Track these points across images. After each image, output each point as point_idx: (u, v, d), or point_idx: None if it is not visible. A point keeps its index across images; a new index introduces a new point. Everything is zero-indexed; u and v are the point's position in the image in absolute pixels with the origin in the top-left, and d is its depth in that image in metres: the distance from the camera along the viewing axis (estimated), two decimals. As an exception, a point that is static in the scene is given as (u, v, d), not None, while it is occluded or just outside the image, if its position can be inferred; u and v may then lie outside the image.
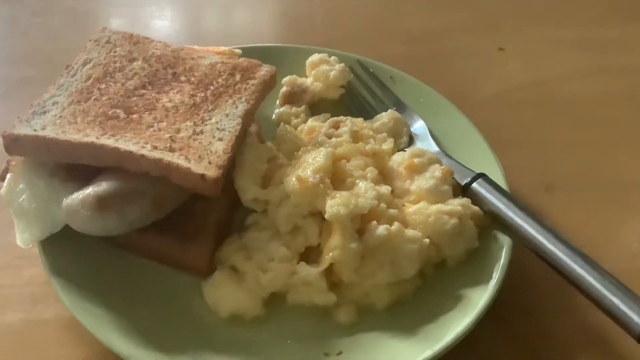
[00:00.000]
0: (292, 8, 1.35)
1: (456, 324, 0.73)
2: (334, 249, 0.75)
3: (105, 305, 0.73)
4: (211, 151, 0.77)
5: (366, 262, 0.76)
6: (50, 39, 1.19)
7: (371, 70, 1.03)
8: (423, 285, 0.79)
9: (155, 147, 0.75)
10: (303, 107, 0.99)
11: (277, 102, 1.01)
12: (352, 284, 0.76)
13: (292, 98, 1.01)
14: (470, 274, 0.79)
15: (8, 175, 0.76)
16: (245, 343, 0.73)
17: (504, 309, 0.77)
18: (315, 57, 1.03)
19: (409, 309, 0.77)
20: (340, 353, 0.72)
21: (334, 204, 0.75)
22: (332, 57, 1.03)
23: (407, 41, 1.22)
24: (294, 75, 1.02)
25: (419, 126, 0.96)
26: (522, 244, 0.78)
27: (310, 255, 0.78)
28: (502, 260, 0.78)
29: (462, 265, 0.80)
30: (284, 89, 1.01)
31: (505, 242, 0.80)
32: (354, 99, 1.01)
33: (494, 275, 0.77)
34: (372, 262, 0.76)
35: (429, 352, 0.70)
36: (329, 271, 0.77)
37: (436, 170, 0.83)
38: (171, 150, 0.76)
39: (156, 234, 0.78)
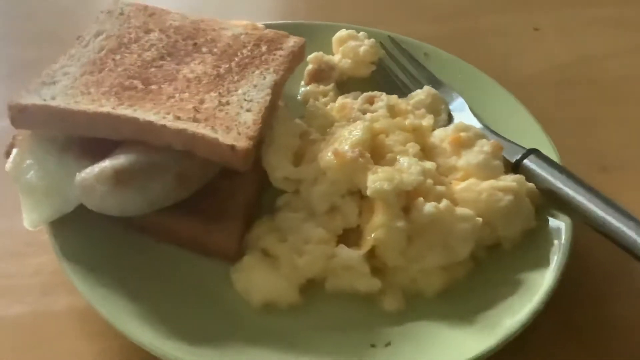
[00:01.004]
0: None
1: (517, 311, 0.65)
2: (377, 228, 0.67)
3: (123, 293, 0.65)
4: (239, 122, 0.69)
5: (413, 244, 0.68)
6: (57, 20, 1.12)
7: (403, 46, 0.96)
8: (476, 270, 0.71)
9: (178, 118, 0.68)
10: (331, 85, 0.92)
11: (302, 82, 0.94)
12: (397, 268, 0.69)
13: (319, 76, 0.93)
14: (528, 256, 0.71)
15: (14, 151, 0.69)
16: (280, 333, 0.65)
17: (563, 293, 0.69)
18: (342, 33, 0.96)
19: (462, 296, 0.69)
20: (388, 344, 0.64)
21: (377, 179, 0.68)
22: (361, 33, 0.96)
23: (437, 20, 1.15)
24: (321, 52, 0.94)
25: (458, 103, 0.89)
26: (583, 222, 0.71)
27: (349, 238, 0.71)
28: (562, 240, 0.70)
29: (518, 247, 0.72)
30: (310, 66, 0.93)
31: (564, 222, 0.72)
32: (386, 76, 0.94)
33: (554, 257, 0.69)
34: (420, 243, 0.68)
35: (492, 341, 0.62)
36: (371, 255, 0.69)
37: (485, 145, 0.76)
38: (195, 120, 0.68)
39: (179, 216, 0.70)
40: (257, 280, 0.68)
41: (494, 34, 1.14)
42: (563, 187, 0.73)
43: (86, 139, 0.70)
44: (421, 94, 0.87)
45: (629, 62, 1.09)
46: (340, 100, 0.87)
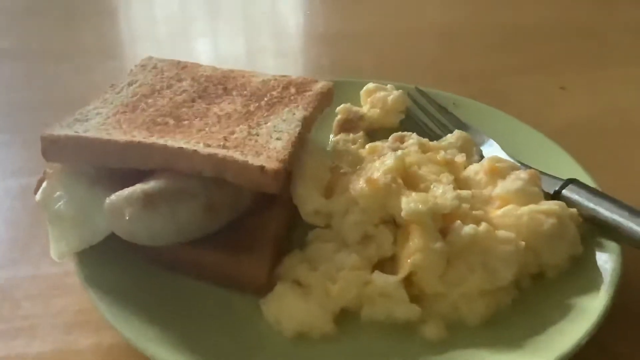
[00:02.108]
0: (340, 49, 1.31)
1: (569, 334, 0.60)
2: (413, 253, 0.64)
3: (150, 323, 0.62)
4: (269, 148, 0.68)
5: (453, 267, 0.65)
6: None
7: (431, 96, 0.96)
8: (521, 299, 0.67)
9: (208, 146, 0.68)
10: (360, 133, 0.92)
11: (331, 135, 0.94)
12: (437, 295, 0.65)
13: (348, 126, 0.93)
14: (575, 283, 0.67)
15: (44, 183, 0.68)
16: (315, 362, 0.60)
17: (608, 323, 0.64)
18: (371, 86, 0.96)
19: (507, 323, 0.64)
20: (431, 370, 0.59)
21: (411, 201, 0.66)
22: (389, 85, 0.97)
23: (464, 80, 1.16)
24: (349, 104, 0.95)
25: (489, 144, 0.87)
26: (632, 246, 0.67)
27: (384, 268, 0.67)
28: (612, 265, 0.66)
29: (565, 275, 0.68)
30: (339, 117, 0.94)
31: (612, 248, 0.68)
32: (415, 124, 0.93)
33: (605, 281, 0.65)
34: (459, 266, 0.65)
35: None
36: (409, 283, 0.65)
37: (521, 174, 0.73)
38: (225, 147, 0.68)
39: (208, 249, 0.68)
40: (289, 310, 0.64)
41: (522, 93, 1.14)
42: (607, 212, 0.69)
43: (116, 172, 0.69)
44: (451, 138, 0.86)
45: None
46: (370, 145, 0.86)
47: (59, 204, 0.66)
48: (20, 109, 1.10)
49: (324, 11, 1.59)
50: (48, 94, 1.14)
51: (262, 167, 0.64)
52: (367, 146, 0.85)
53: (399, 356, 0.62)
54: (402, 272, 0.64)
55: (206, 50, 1.39)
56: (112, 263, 0.68)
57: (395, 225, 0.69)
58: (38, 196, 0.68)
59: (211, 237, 0.68)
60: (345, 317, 0.65)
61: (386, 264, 0.68)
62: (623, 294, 0.65)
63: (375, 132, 0.93)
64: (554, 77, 1.19)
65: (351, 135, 0.91)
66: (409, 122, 0.94)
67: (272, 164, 0.65)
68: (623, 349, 0.67)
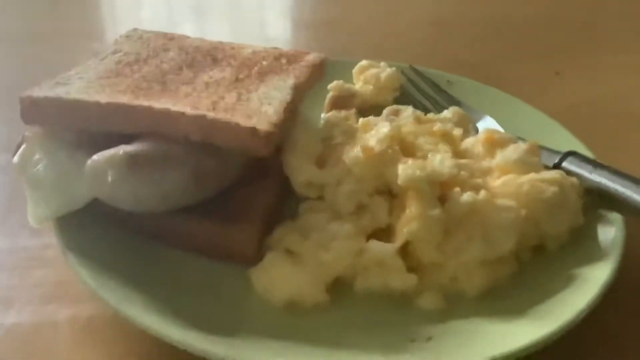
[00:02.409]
0: (330, 36, 1.28)
1: (572, 303, 0.57)
2: (410, 221, 0.61)
3: (135, 291, 0.58)
4: (261, 112, 0.66)
5: (450, 237, 0.62)
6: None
7: (425, 75, 0.94)
8: (521, 271, 0.64)
9: (196, 109, 0.65)
10: (353, 110, 0.89)
11: (323, 114, 0.91)
12: (435, 265, 0.62)
13: (340, 103, 0.90)
14: (577, 254, 0.64)
15: (22, 146, 0.65)
16: (306, 331, 0.57)
17: (605, 300, 0.61)
18: (364, 63, 0.94)
19: (507, 294, 0.61)
20: (430, 339, 0.56)
21: (408, 167, 0.63)
22: (382, 63, 0.94)
23: (458, 67, 1.13)
24: (341, 80, 0.92)
25: (485, 120, 0.85)
26: (634, 215, 0.65)
27: (379, 239, 0.64)
28: (614, 235, 0.64)
29: (565, 247, 0.66)
30: (331, 94, 0.91)
31: (614, 219, 0.66)
32: (408, 102, 0.90)
33: (608, 252, 0.62)
34: (457, 235, 0.62)
35: (547, 330, 0.54)
36: (405, 253, 0.63)
37: (520, 145, 0.71)
38: (214, 111, 0.65)
39: (196, 217, 0.65)
40: (279, 279, 0.61)
41: (516, 78, 1.12)
42: (609, 182, 0.67)
43: (99, 138, 0.66)
44: (447, 113, 0.84)
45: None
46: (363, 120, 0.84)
47: (38, 167, 0.63)
48: (0, 89, 1.07)
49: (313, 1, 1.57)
50: (28, 74, 1.10)
51: (253, 129, 0.62)
52: (360, 120, 0.83)
53: (394, 326, 0.59)
54: (399, 241, 0.62)
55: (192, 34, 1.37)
56: (94, 231, 0.64)
57: (390, 195, 0.66)
58: (15, 159, 0.64)
59: (199, 206, 0.65)
60: (339, 288, 0.62)
61: (381, 235, 0.65)
62: (624, 267, 0.63)
63: (368, 111, 0.90)
64: (548, 63, 1.18)
65: (343, 112, 0.89)
66: (403, 100, 0.91)
67: (263, 126, 0.62)
68: (623, 323, 0.64)
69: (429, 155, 0.68)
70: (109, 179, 0.59)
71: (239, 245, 0.65)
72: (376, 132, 0.70)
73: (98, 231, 0.64)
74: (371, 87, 0.91)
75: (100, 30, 1.38)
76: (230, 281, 0.63)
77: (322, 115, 0.89)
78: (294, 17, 1.50)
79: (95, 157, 0.60)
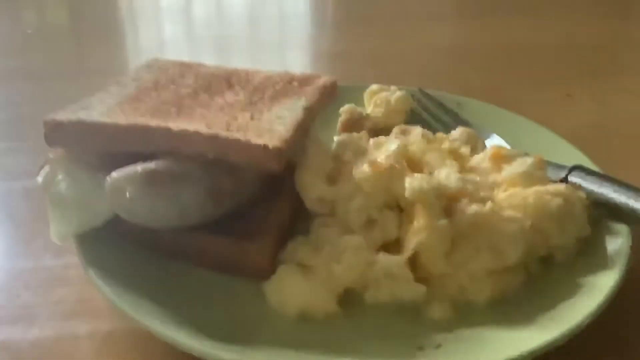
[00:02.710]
0: (344, 66, 1.32)
1: (579, 309, 0.58)
2: (418, 232, 0.63)
3: (153, 303, 0.60)
4: (272, 130, 0.68)
5: (458, 247, 0.64)
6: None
7: (435, 98, 0.97)
8: (529, 281, 0.65)
9: (211, 128, 0.67)
10: (364, 132, 0.91)
11: (335, 137, 0.93)
12: (443, 276, 0.63)
13: (352, 126, 0.93)
14: (584, 264, 0.65)
15: (46, 167, 0.68)
16: (318, 341, 0.59)
17: (614, 307, 0.62)
18: (374, 87, 0.97)
19: (516, 303, 0.63)
20: (438, 346, 0.58)
21: (415, 180, 0.65)
22: (392, 87, 0.97)
23: (468, 94, 1.16)
24: (353, 104, 0.95)
25: (493, 139, 0.87)
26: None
27: (388, 251, 0.66)
28: (621, 245, 0.65)
29: (574, 257, 0.67)
30: (343, 117, 0.94)
31: (621, 230, 0.67)
32: (418, 124, 0.93)
33: (615, 261, 0.63)
34: (465, 246, 0.63)
35: (555, 334, 0.55)
36: (414, 265, 0.64)
37: (527, 159, 0.73)
38: (228, 130, 0.67)
39: (211, 234, 0.67)
40: (292, 290, 0.63)
41: (527, 101, 1.14)
42: (615, 193, 0.68)
43: (119, 160, 0.69)
44: (456, 134, 0.86)
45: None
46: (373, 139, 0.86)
47: (60, 186, 0.66)
48: (27, 121, 1.11)
49: (328, 32, 1.61)
50: (52, 108, 1.15)
51: (265, 146, 0.64)
52: (371, 140, 0.85)
53: (403, 335, 0.60)
54: (407, 252, 0.63)
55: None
56: (113, 248, 0.67)
57: (399, 210, 0.68)
58: (39, 178, 0.67)
59: (215, 223, 0.68)
60: (350, 299, 0.63)
61: (391, 248, 0.66)
62: (630, 276, 0.63)
63: (379, 133, 0.92)
64: (560, 87, 1.20)
65: (355, 134, 0.91)
66: (413, 122, 0.92)
67: (274, 142, 0.65)
68: (629, 330, 0.65)
69: (436, 172, 0.70)
70: (128, 195, 0.62)
71: (253, 260, 0.67)
72: (385, 149, 0.72)
73: (118, 248, 0.67)
74: (382, 110, 0.93)
75: (125, 67, 1.43)
76: (245, 295, 0.65)
77: (335, 139, 0.92)
78: (312, 49, 1.54)
79: (114, 174, 0.63)
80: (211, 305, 0.63)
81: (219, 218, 0.68)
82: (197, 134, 0.66)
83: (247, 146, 0.65)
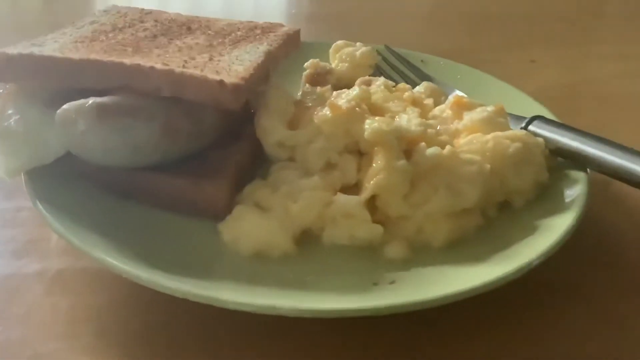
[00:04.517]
0: (313, 29, 1.30)
1: (534, 248, 0.58)
2: (376, 173, 0.62)
3: (105, 239, 0.58)
4: (231, 69, 0.67)
5: (416, 188, 0.63)
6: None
7: (400, 54, 0.96)
8: (487, 226, 0.65)
9: (167, 65, 0.66)
10: (328, 86, 0.90)
11: (299, 93, 0.92)
12: (401, 218, 0.63)
13: (316, 80, 0.91)
14: (542, 209, 0.65)
15: (-4, 102, 0.66)
16: (273, 278, 0.58)
17: (575, 256, 0.63)
18: (339, 42, 0.95)
19: (472, 245, 0.62)
20: (392, 282, 0.57)
21: (375, 122, 0.64)
22: (358, 43, 0.96)
23: (437, 55, 1.16)
24: (317, 59, 0.94)
25: (457, 94, 0.86)
26: (598, 171, 0.66)
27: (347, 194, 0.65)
28: (579, 190, 0.65)
29: (531, 203, 0.67)
30: (307, 71, 0.92)
31: (579, 177, 0.67)
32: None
33: (571, 204, 0.64)
34: (423, 186, 0.63)
35: (508, 269, 0.55)
36: (373, 208, 0.64)
37: (487, 107, 0.72)
38: (185, 67, 0.66)
39: (167, 174, 0.66)
40: (247, 229, 0.62)
41: (493, 65, 1.13)
42: (573, 141, 0.69)
43: (71, 95, 0.67)
44: (420, 88, 0.85)
45: (629, 83, 1.08)
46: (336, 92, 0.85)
47: (10, 120, 0.64)
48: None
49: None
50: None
51: (221, 81, 0.63)
52: (334, 93, 0.84)
53: (359, 273, 0.59)
54: (366, 192, 0.62)
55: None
56: (65, 186, 0.65)
57: (360, 154, 0.68)
58: (-12, 114, 0.65)
59: (172, 164, 0.66)
60: (307, 240, 0.63)
61: (350, 192, 0.65)
62: (586, 222, 0.64)
63: (343, 88, 0.92)
64: (525, 53, 1.20)
65: (319, 88, 0.90)
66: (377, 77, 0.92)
67: (231, 79, 0.63)
68: (583, 272, 0.66)
69: (397, 117, 0.69)
70: (79, 128, 0.60)
71: (210, 200, 0.65)
72: (346, 95, 0.71)
73: (71, 186, 0.65)
74: (347, 64, 0.92)
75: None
76: (200, 234, 0.63)
77: (299, 94, 0.91)
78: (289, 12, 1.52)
79: (65, 106, 0.61)
80: (164, 241, 0.61)
81: (177, 159, 0.67)
82: (151, 69, 0.64)
83: (203, 82, 0.63)
